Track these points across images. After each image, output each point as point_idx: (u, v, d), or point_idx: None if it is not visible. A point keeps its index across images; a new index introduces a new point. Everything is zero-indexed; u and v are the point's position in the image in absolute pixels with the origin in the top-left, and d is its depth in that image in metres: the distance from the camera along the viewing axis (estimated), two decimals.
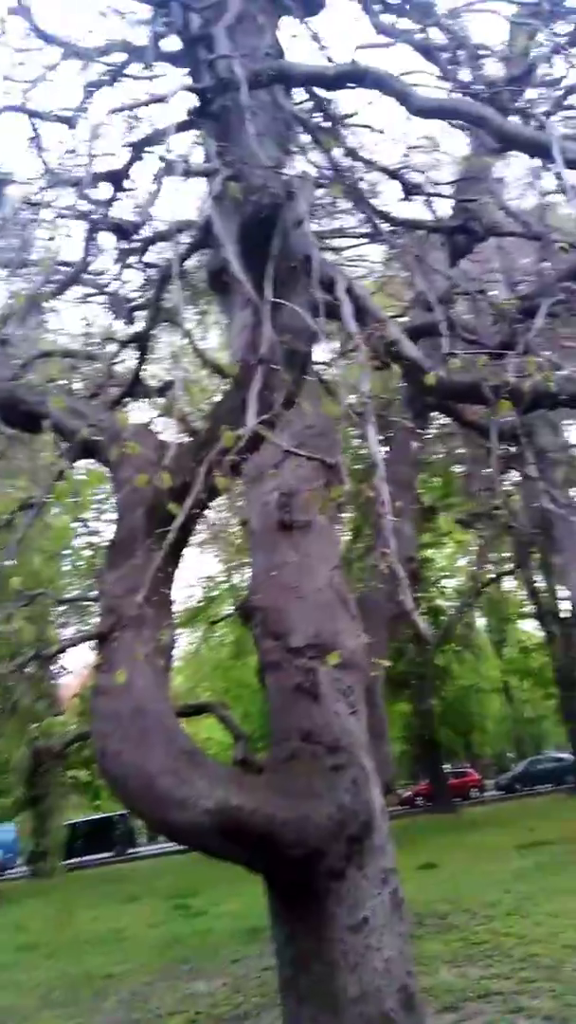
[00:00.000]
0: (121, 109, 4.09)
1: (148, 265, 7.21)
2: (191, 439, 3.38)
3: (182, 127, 5.30)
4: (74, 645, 3.60)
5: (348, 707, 4.09)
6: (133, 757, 3.30)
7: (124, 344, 5.70)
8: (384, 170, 5.68)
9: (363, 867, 3.75)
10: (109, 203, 4.96)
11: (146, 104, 3.81)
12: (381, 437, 6.75)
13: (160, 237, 6.62)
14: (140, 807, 3.33)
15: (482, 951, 7.43)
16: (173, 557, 3.74)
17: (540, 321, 3.32)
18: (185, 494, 2.90)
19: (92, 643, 3.63)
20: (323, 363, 5.71)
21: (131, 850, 29.31)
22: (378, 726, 4.78)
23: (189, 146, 6.23)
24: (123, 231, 3.82)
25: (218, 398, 4.39)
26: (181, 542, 3.65)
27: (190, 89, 3.76)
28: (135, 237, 6.07)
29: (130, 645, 3.52)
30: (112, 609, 3.60)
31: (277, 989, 3.86)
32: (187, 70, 5.84)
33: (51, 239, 3.73)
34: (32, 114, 5.21)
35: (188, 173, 3.37)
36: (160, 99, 3.29)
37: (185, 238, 6.86)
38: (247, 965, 8.33)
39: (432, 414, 7.73)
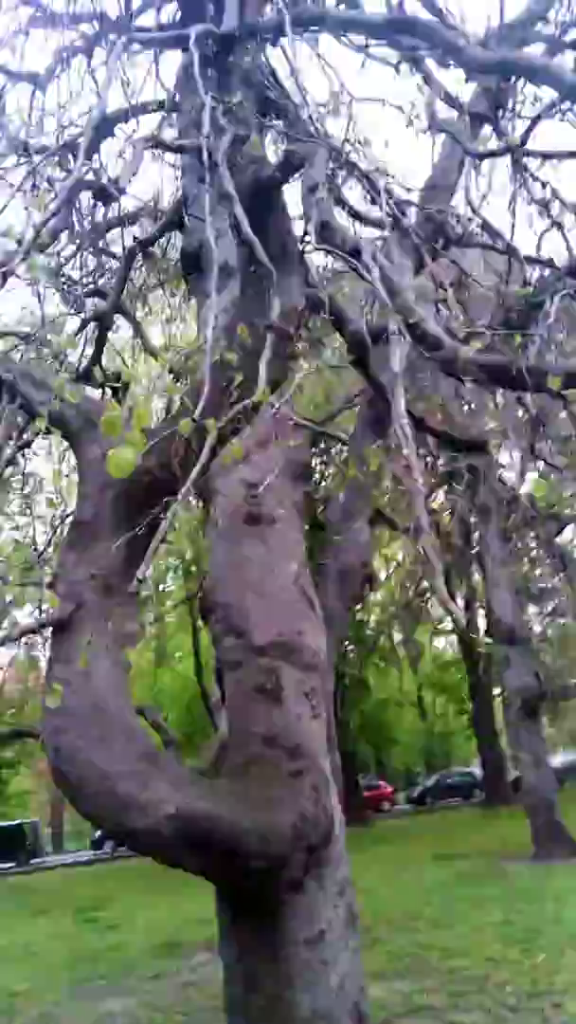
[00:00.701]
0: (137, 40, 3.83)
1: (102, 251, 6.90)
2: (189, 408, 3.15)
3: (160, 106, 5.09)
4: (29, 632, 3.30)
5: (310, 710, 3.93)
6: (91, 757, 3.04)
7: (84, 323, 5.41)
8: (354, 168, 5.61)
9: (321, 878, 3.58)
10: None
11: (161, 45, 3.57)
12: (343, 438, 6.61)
13: (126, 220, 6.33)
14: (97, 810, 3.07)
15: (408, 965, 7.36)
16: (144, 539, 3.50)
17: (556, 304, 3.25)
18: (171, 469, 2.68)
19: (47, 631, 3.34)
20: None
21: (35, 860, 28.02)
22: (330, 732, 4.65)
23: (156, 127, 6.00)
24: (106, 195, 3.57)
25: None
26: (157, 523, 3.42)
27: (209, 35, 3.54)
28: (100, 224, 5.79)
29: (91, 635, 3.26)
30: (72, 594, 3.33)
31: (223, 1008, 3.64)
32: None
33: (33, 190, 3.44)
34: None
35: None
36: (184, 37, 3.08)
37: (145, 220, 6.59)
38: (166, 982, 7.98)
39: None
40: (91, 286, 6.75)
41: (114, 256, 6.57)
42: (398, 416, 2.44)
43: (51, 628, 3.28)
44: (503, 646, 15.07)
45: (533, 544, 15.19)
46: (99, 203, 4.13)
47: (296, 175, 3.13)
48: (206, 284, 4.79)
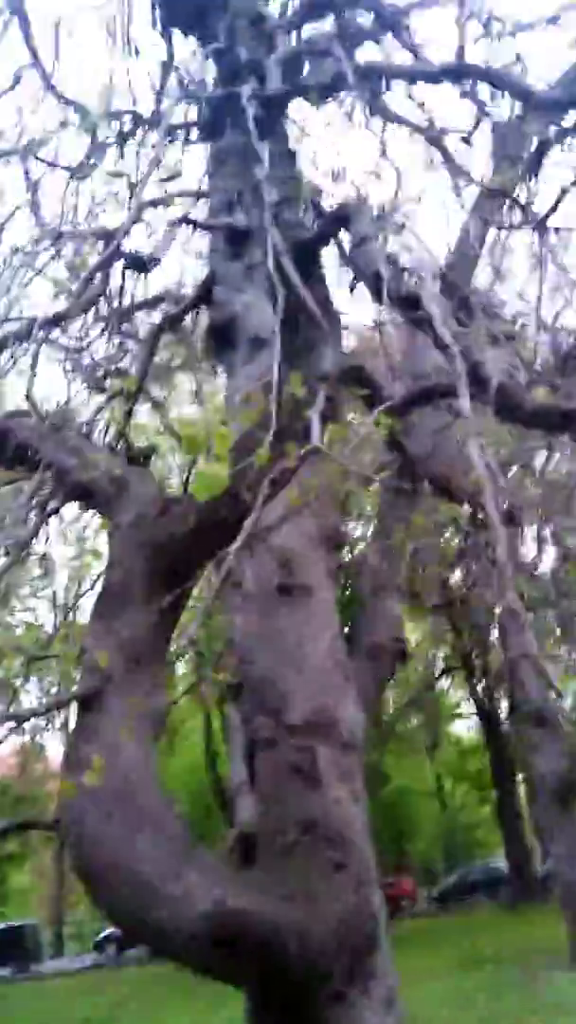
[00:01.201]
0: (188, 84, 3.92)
1: (126, 334, 7.00)
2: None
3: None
4: (51, 710, 3.11)
5: (350, 794, 3.66)
6: (118, 844, 2.79)
7: (110, 398, 5.41)
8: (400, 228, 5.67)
9: (366, 990, 3.23)
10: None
11: (207, 98, 3.63)
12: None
13: (151, 302, 6.43)
14: (121, 906, 2.79)
15: None
16: (175, 609, 3.35)
17: None
18: (216, 528, 2.56)
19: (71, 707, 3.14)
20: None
21: (35, 966, 26.25)
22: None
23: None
24: (140, 264, 3.60)
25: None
26: (188, 591, 3.28)
27: (257, 96, 3.61)
28: (131, 305, 5.88)
29: (118, 710, 3.07)
30: (98, 667, 3.15)
31: None
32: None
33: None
34: (40, 160, 5.11)
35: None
36: (231, 93, 3.14)
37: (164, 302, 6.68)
38: None
39: None
40: (114, 367, 6.81)
41: (136, 338, 6.66)
42: (477, 460, 2.32)
43: (77, 704, 3.08)
44: (531, 729, 14.46)
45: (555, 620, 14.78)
46: (132, 272, 4.16)
47: (331, 236, 3.14)
48: (235, 358, 4.82)
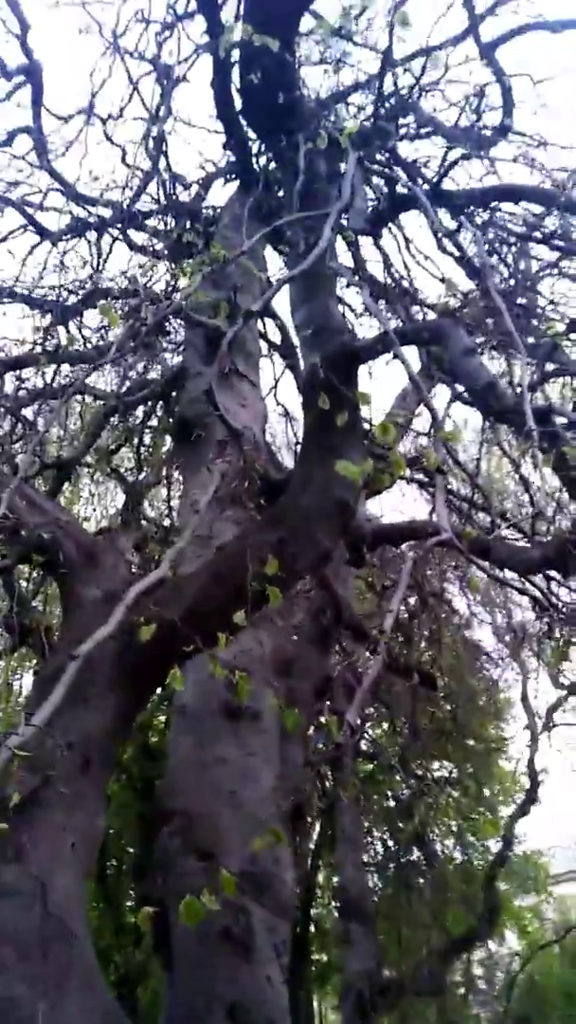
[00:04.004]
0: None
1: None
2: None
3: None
4: None
5: (280, 971, 3.06)
6: (37, 1012, 2.06)
7: (45, 467, 4.92)
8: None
9: None
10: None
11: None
12: None
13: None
14: None
15: None
16: (135, 710, 2.82)
17: None
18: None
19: None
20: None
21: None
22: None
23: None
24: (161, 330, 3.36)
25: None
26: (151, 688, 2.77)
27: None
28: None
29: (56, 825, 2.43)
30: (36, 768, 2.51)
31: None
32: None
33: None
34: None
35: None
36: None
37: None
38: None
39: None
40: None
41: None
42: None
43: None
44: (343, 921, 13.60)
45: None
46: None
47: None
48: (202, 452, 4.59)
